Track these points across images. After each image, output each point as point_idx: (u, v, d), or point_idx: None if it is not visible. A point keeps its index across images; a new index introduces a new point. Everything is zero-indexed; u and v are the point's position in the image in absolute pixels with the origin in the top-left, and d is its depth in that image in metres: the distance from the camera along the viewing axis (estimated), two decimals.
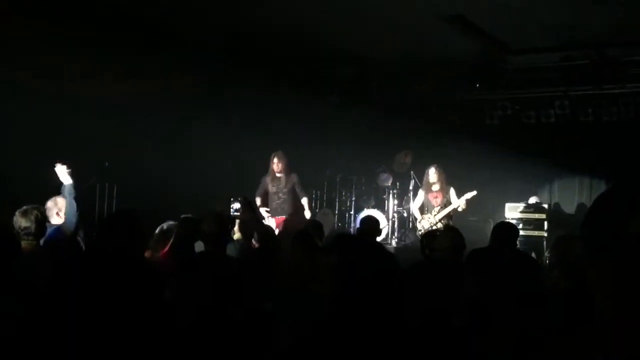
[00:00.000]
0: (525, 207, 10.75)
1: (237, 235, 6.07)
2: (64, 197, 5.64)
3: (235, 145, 10.45)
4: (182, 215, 5.62)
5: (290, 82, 11.40)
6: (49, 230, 5.00)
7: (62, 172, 5.74)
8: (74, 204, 5.61)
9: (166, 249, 5.19)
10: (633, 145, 10.32)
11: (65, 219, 5.50)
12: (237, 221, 6.18)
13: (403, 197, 11.33)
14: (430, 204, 9.52)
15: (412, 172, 11.04)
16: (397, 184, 11.47)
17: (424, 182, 9.70)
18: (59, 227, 5.38)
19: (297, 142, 10.31)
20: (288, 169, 9.25)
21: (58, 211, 5.54)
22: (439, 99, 11.58)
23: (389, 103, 11.77)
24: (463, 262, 5.03)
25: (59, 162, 5.78)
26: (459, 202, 9.28)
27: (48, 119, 8.80)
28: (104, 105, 9.62)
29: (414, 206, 9.87)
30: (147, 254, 5.16)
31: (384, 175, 11.79)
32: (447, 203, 9.40)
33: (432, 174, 9.45)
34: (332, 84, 11.69)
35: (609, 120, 10.60)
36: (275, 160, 9.18)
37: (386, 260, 4.05)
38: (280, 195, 9.19)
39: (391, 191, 11.48)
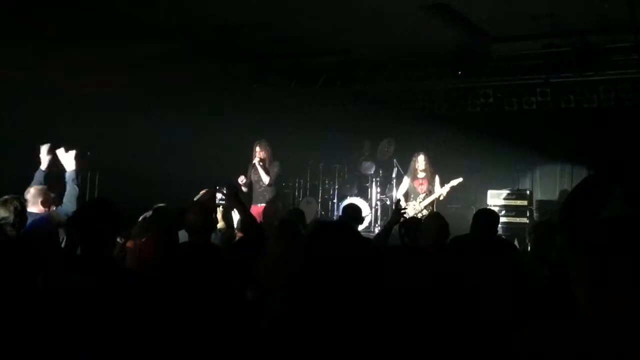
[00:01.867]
0: (507, 194, 10.82)
1: (220, 224, 6.05)
2: (67, 183, 5.64)
3: (219, 134, 10.43)
4: (155, 206, 5.62)
5: (274, 72, 11.37)
6: (33, 219, 4.99)
7: (67, 157, 5.73)
8: (77, 190, 5.63)
9: (144, 238, 5.17)
10: (613, 132, 10.41)
11: (64, 204, 5.45)
12: (220, 209, 6.14)
13: (386, 185, 11.37)
14: (416, 191, 9.50)
15: (395, 160, 11.07)
16: (380, 172, 11.51)
17: (410, 169, 9.68)
18: (45, 216, 5.31)
19: (281, 131, 10.31)
20: (270, 158, 9.24)
21: (43, 201, 5.47)
22: (422, 87, 11.59)
23: (372, 91, 11.77)
24: (445, 249, 5.08)
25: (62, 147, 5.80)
26: (442, 190, 9.30)
27: (30, 110, 8.77)
28: (88, 96, 9.59)
29: (399, 193, 9.85)
30: (128, 243, 5.16)
31: (367, 164, 11.81)
32: (432, 190, 9.41)
33: (421, 161, 9.42)
34: (317, 74, 11.66)
35: (589, 107, 10.69)
36: (257, 148, 9.18)
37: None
38: (261, 183, 9.20)
39: (374, 179, 11.51)
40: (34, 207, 5.29)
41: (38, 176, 5.99)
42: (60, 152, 5.78)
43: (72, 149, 5.75)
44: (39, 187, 5.57)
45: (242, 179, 9.08)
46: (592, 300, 1.81)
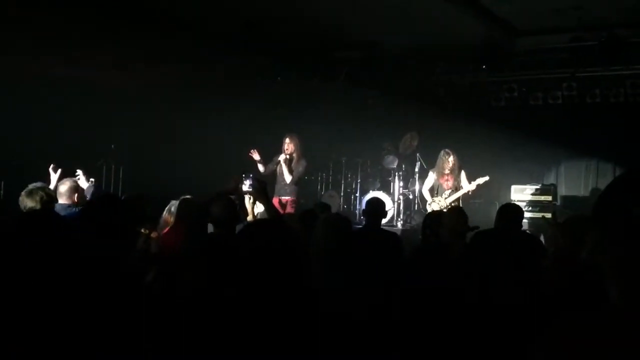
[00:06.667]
0: (531, 189, 10.73)
1: (250, 216, 6.03)
2: None
3: (242, 128, 10.45)
4: (181, 197, 5.66)
5: (298, 66, 11.38)
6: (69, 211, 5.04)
7: None
8: None
9: (167, 229, 5.20)
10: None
11: None
12: (250, 200, 6.07)
13: (409, 179, 11.32)
14: (442, 186, 9.42)
15: (417, 154, 11.02)
16: (403, 166, 11.46)
17: (437, 165, 9.56)
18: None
19: (304, 124, 10.30)
20: (299, 152, 9.22)
21: (79, 196, 5.50)
22: (446, 81, 11.53)
23: (396, 85, 11.73)
24: (467, 243, 5.05)
25: None
26: (469, 187, 9.22)
27: (57, 104, 8.86)
28: (111, 90, 9.67)
29: (424, 188, 9.74)
30: (153, 234, 5.19)
31: (390, 157, 11.77)
32: (458, 186, 9.34)
33: (452, 161, 9.30)
34: (340, 68, 11.65)
35: (616, 102, 10.54)
36: (287, 140, 9.17)
37: None
38: (284, 177, 9.20)
39: (397, 173, 11.46)
40: (68, 200, 5.35)
41: (88, 190, 6.05)
42: None
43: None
44: (75, 182, 5.61)
45: (261, 168, 9.06)
46: (624, 292, 1.80)
